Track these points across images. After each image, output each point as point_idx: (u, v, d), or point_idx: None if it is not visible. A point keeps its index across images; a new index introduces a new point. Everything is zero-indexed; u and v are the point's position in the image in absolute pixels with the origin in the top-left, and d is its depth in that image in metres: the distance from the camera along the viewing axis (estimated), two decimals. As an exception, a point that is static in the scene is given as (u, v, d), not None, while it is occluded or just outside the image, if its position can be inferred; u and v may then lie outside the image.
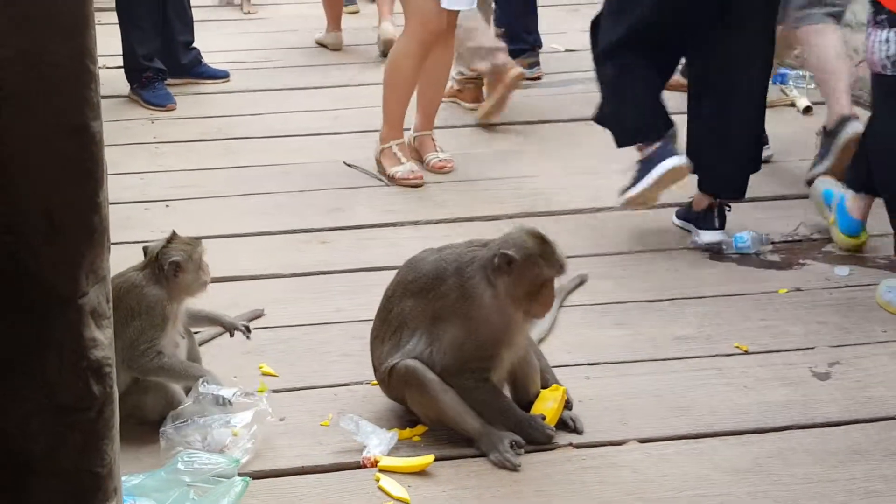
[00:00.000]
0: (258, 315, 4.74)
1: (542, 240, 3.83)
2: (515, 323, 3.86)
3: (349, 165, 6.38)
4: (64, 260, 1.83)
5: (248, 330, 4.24)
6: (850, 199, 5.29)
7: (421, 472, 3.72)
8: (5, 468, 1.87)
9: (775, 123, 6.64)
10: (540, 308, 3.85)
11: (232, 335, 4.24)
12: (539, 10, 8.05)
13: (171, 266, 3.93)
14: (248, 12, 9.49)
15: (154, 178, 6.24)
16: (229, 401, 3.82)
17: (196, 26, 8.07)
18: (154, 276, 3.95)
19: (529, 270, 3.78)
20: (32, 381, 1.85)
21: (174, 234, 4.05)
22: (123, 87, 7.60)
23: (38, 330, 1.84)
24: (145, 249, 4.03)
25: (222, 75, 8.01)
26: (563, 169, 6.37)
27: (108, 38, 7.47)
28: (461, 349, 3.85)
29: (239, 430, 3.75)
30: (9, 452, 1.86)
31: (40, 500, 1.90)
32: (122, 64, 7.65)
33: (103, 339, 1.90)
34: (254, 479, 3.60)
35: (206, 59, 8.03)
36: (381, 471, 3.72)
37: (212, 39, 8.76)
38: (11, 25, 1.71)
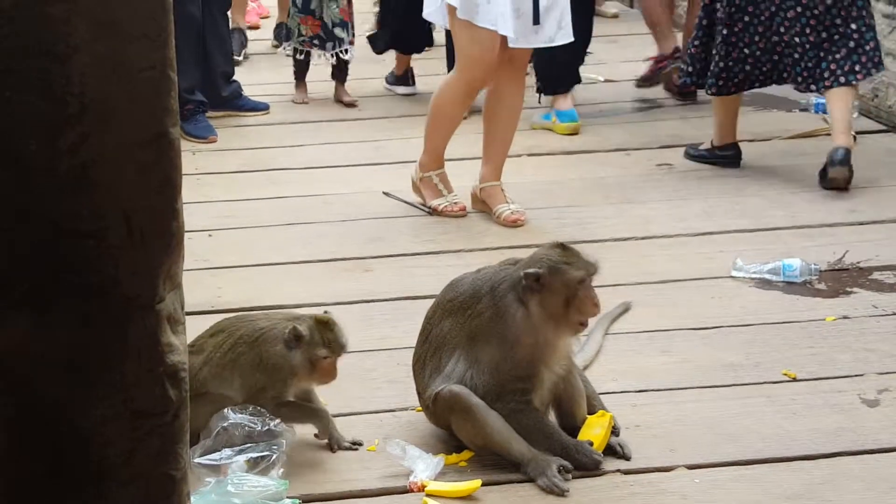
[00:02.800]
0: None
1: (563, 247, 3.86)
2: (550, 341, 3.84)
3: (388, 195, 6.37)
4: (143, 265, 1.84)
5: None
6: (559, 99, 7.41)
7: (468, 497, 3.70)
8: (85, 474, 1.86)
9: (818, 152, 6.62)
10: (586, 312, 3.84)
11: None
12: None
13: (290, 332, 3.88)
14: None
15: (197, 208, 6.25)
16: (257, 431, 3.81)
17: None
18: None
19: (559, 280, 3.79)
20: (111, 387, 1.85)
21: (332, 320, 3.96)
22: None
23: (117, 336, 1.84)
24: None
25: (262, 107, 8.03)
26: (605, 198, 6.36)
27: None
28: (499, 370, 3.84)
29: (256, 462, 3.72)
30: (87, 458, 1.86)
31: (119, 504, 1.90)
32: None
33: (179, 344, 1.89)
34: (303, 502, 3.59)
35: (247, 91, 8.06)
36: (428, 495, 3.70)
37: (252, 73, 8.81)
38: (94, 32, 1.71)
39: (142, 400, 1.86)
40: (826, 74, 6.25)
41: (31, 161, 1.71)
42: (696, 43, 6.62)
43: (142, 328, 1.83)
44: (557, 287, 3.80)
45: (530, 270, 3.80)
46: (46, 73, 1.70)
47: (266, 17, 10.44)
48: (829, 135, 7.05)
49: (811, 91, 6.63)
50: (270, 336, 3.91)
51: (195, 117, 7.50)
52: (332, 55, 8.08)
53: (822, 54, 6.25)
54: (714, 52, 6.48)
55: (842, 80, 6.23)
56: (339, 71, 8.22)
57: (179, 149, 1.80)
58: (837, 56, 6.24)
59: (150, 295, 1.83)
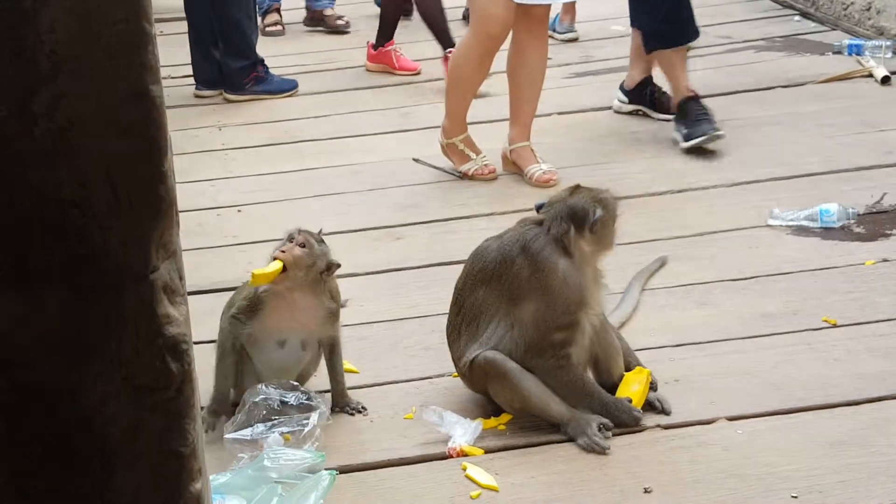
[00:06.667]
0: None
1: (580, 187, 3.93)
2: (589, 283, 3.82)
3: (417, 161, 6.31)
4: (132, 234, 1.76)
5: None
6: None
7: (509, 460, 3.65)
8: (89, 453, 1.80)
9: (853, 95, 6.51)
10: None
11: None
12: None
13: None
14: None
15: (225, 184, 6.23)
16: (290, 405, 3.78)
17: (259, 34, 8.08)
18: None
19: (610, 212, 3.86)
20: (109, 362, 1.78)
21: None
22: (189, 96, 7.63)
23: (110, 308, 1.77)
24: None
25: None
26: (639, 152, 6.28)
27: (171, 49, 7.48)
28: (543, 321, 3.78)
29: (291, 436, 3.69)
30: (90, 437, 1.79)
31: (126, 483, 1.83)
32: (191, 73, 7.70)
33: (178, 315, 1.81)
34: (341, 473, 3.56)
35: (272, 63, 8.01)
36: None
37: (277, 45, 8.76)
38: (60, -18, 1.64)
39: (142, 375, 1.79)
40: None
41: (4, 126, 1.64)
42: None
43: (136, 299, 1.76)
44: (609, 220, 3.84)
45: (596, 216, 3.79)
46: (13, 31, 1.63)
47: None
48: (864, 76, 6.97)
49: None
50: None
51: (268, 76, 7.61)
52: None
53: None
54: None
55: None
56: None
57: (163, 108, 1.72)
58: None
59: (143, 264, 1.75)
